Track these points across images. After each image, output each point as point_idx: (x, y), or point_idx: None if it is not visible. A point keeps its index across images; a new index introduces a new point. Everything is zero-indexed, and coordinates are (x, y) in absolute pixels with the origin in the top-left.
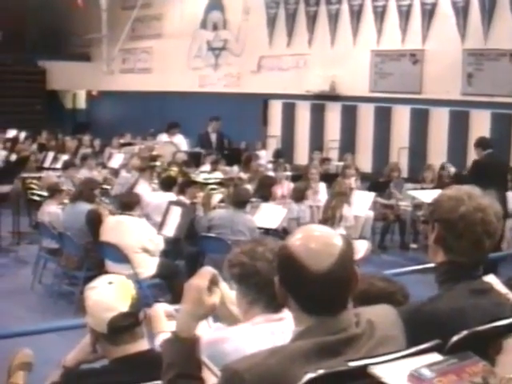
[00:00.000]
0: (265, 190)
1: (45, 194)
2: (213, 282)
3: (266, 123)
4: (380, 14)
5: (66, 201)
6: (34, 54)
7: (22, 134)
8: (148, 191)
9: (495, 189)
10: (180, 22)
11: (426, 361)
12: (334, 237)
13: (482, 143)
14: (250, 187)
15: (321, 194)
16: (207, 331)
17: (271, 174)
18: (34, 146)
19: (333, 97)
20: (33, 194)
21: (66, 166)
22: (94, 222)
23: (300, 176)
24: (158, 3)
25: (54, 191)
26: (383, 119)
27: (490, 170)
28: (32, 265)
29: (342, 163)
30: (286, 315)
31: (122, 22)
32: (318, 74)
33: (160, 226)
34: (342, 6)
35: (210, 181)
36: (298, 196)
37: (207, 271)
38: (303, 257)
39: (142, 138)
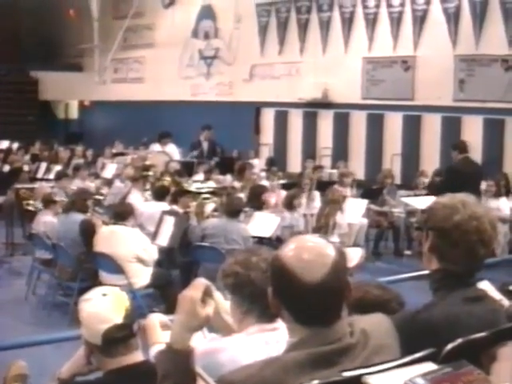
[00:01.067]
0: (256, 199)
1: (38, 204)
2: (206, 293)
3: (258, 131)
4: (371, 21)
5: (61, 211)
6: (26, 64)
7: (15, 145)
8: (141, 201)
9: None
10: (171, 31)
11: (420, 370)
12: (327, 247)
13: (458, 147)
14: (243, 196)
15: (315, 202)
16: (202, 342)
17: (264, 182)
18: (27, 157)
19: (325, 104)
20: (26, 205)
21: (59, 176)
22: (88, 232)
23: (293, 184)
24: (150, 13)
25: (49, 202)
26: (375, 126)
27: (463, 176)
28: (26, 276)
29: (334, 171)
30: (280, 325)
31: (113, 32)
32: (310, 82)
33: (153, 236)
34: (334, 13)
35: (202, 190)
36: (290, 204)
37: (201, 282)
38: (296, 268)
39: (135, 148)
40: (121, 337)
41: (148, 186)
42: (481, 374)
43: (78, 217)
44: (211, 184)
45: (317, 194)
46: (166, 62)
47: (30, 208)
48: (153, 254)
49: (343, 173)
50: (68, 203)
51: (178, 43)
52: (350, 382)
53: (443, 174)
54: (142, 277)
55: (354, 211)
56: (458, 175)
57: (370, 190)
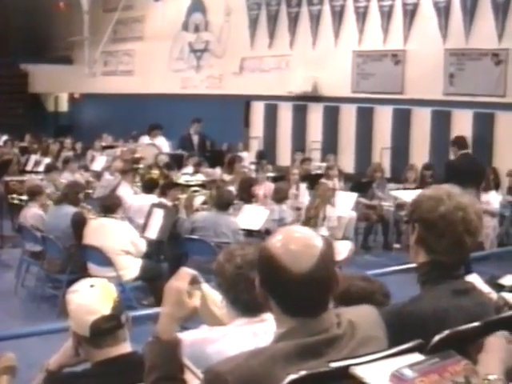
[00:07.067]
0: (245, 192)
1: (24, 197)
2: (193, 283)
3: (248, 124)
4: (361, 15)
5: (49, 202)
6: (16, 57)
7: (4, 138)
8: (130, 194)
9: (469, 189)
10: (162, 24)
11: (407, 361)
12: (315, 238)
13: (458, 142)
14: (232, 189)
15: (302, 194)
16: (189, 333)
17: (254, 175)
18: (15, 150)
19: (315, 98)
20: (12, 199)
21: (49, 169)
22: (79, 224)
23: (282, 177)
24: (140, 5)
25: (35, 193)
26: (365, 120)
27: (463, 172)
28: (15, 268)
29: (324, 164)
30: (269, 316)
31: (103, 25)
32: (300, 75)
33: (142, 229)
34: (324, 6)
35: (192, 183)
36: (279, 197)
37: (186, 272)
38: (283, 258)
39: (124, 141)
40: (108, 328)
41: (137, 179)
42: (468, 364)
43: (70, 209)
44: (200, 177)
45: (303, 187)
46: (155, 54)
47: (16, 202)
48: (141, 248)
49: (328, 165)
50: (60, 196)
51: (167, 36)
52: (337, 372)
53: (444, 171)
54: (131, 269)
55: (344, 204)
56: (459, 171)
57: (360, 183)
